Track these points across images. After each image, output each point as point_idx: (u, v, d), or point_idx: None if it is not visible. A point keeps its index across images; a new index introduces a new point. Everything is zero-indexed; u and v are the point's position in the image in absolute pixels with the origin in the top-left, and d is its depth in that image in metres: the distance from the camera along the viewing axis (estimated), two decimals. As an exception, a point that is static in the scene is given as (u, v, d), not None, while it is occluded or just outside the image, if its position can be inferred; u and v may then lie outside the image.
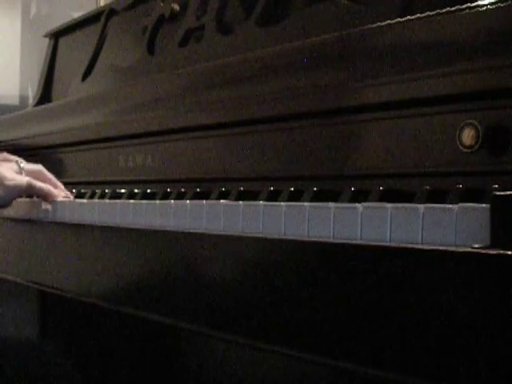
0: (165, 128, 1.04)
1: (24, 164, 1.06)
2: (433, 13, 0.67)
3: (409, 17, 0.69)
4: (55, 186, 1.06)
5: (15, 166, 1.04)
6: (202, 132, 0.97)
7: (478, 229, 0.48)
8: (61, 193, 1.05)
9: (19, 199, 1.06)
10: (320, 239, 0.56)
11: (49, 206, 1.01)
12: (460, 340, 0.45)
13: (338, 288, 0.53)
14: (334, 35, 0.78)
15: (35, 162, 1.17)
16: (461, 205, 0.50)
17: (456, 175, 0.64)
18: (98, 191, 1.16)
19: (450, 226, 0.49)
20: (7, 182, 1.00)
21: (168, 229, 0.74)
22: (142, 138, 1.10)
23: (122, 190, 1.11)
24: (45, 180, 1.07)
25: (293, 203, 0.63)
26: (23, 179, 1.02)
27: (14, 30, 2.67)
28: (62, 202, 1.01)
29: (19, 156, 1.11)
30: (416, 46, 0.68)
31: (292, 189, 0.79)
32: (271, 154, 0.85)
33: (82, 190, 1.21)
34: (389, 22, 0.71)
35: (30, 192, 1.03)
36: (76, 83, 1.43)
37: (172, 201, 0.78)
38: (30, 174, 1.06)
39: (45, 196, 1.03)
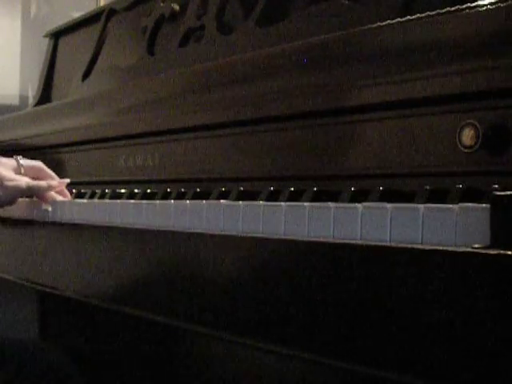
0: (165, 128, 1.04)
1: (23, 161, 1.06)
2: (433, 13, 0.67)
3: (409, 17, 0.69)
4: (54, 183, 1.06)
5: (14, 163, 1.04)
6: (202, 132, 0.97)
7: (477, 229, 0.48)
8: (61, 190, 1.05)
9: (19, 199, 1.06)
10: (320, 239, 0.56)
11: (49, 206, 1.01)
12: (460, 340, 0.45)
13: (337, 288, 0.53)
14: (334, 35, 0.78)
15: (35, 161, 1.17)
16: (461, 205, 0.50)
17: (456, 175, 0.64)
18: (98, 191, 1.16)
19: (450, 226, 0.49)
20: (6, 183, 0.99)
21: (168, 229, 0.74)
22: (142, 137, 1.10)
23: (122, 190, 1.11)
24: (45, 176, 1.06)
25: (293, 203, 0.63)
26: (22, 181, 1.01)
27: (14, 30, 2.67)
28: (61, 201, 1.01)
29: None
30: (416, 46, 0.68)
31: (292, 189, 0.79)
32: (271, 154, 0.85)
33: (82, 190, 1.20)
34: (389, 21, 0.71)
35: (29, 193, 1.03)
36: (76, 83, 1.43)
37: (172, 201, 0.78)
38: (29, 170, 1.06)
39: (44, 196, 1.03)
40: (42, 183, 1.03)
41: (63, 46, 1.61)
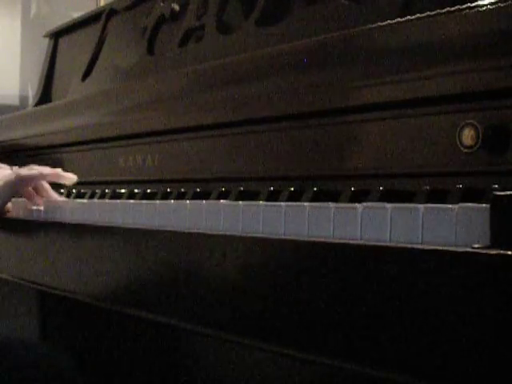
0: (165, 128, 1.04)
1: (20, 171, 1.05)
2: (433, 13, 0.67)
3: (409, 17, 0.69)
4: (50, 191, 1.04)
5: (10, 173, 1.03)
6: (202, 132, 0.97)
7: (477, 229, 0.48)
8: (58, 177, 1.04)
9: (19, 199, 1.05)
10: (320, 239, 0.56)
11: (48, 206, 1.01)
12: (459, 340, 0.45)
13: (337, 288, 0.53)
14: (334, 35, 0.78)
15: (35, 162, 1.17)
16: (461, 205, 0.50)
17: (456, 175, 0.64)
18: (98, 191, 1.16)
19: (449, 226, 0.49)
20: None
21: (168, 229, 0.74)
22: (142, 138, 1.10)
23: (122, 190, 1.11)
24: (40, 187, 1.05)
25: (293, 203, 0.63)
26: (11, 175, 1.00)
27: (14, 30, 2.67)
28: (61, 201, 1.01)
29: (19, 156, 1.11)
30: (416, 46, 0.68)
31: (292, 189, 0.79)
32: (271, 154, 0.85)
33: (82, 190, 1.20)
34: (389, 21, 0.71)
35: (22, 185, 1.01)
36: (76, 83, 1.43)
37: (172, 201, 0.78)
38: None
39: (39, 188, 1.01)
40: (34, 172, 1.01)
41: (63, 45, 1.61)
